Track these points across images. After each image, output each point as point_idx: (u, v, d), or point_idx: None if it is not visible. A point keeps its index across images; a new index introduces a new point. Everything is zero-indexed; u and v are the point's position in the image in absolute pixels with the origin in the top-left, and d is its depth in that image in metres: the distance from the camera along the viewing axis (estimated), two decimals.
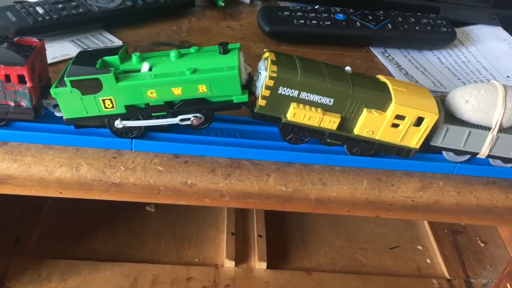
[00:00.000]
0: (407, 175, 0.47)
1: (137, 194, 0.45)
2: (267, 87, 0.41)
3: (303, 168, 0.46)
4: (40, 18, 0.58)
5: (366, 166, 0.47)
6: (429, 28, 0.68)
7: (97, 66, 0.40)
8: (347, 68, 0.45)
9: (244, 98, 0.43)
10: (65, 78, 0.40)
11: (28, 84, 0.41)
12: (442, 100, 0.46)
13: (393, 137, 0.44)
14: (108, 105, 0.42)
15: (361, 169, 0.47)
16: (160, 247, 0.70)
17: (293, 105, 0.42)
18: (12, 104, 0.42)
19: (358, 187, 0.46)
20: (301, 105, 0.42)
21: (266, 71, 0.41)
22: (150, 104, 0.42)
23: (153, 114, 0.43)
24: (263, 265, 0.67)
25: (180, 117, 0.43)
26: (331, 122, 0.43)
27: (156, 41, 0.63)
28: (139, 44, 0.62)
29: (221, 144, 0.46)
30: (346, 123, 0.44)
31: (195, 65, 0.41)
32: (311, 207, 0.47)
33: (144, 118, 0.43)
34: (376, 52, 0.68)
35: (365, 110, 0.43)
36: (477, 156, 0.46)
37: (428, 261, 0.74)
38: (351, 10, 0.69)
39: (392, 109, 0.42)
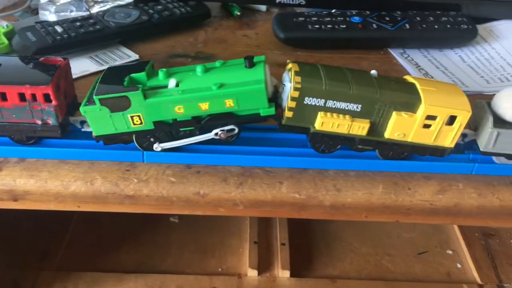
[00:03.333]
0: (425, 178, 0.46)
1: (151, 206, 0.46)
2: (293, 99, 0.41)
3: (316, 174, 0.46)
4: (58, 37, 0.60)
5: (382, 169, 0.46)
6: (449, 26, 0.66)
7: (125, 83, 0.41)
8: (373, 71, 0.44)
9: (271, 111, 0.42)
10: (94, 97, 0.41)
11: (54, 103, 0.42)
12: (488, 104, 0.45)
13: (426, 138, 0.43)
14: (137, 121, 0.42)
15: (376, 174, 0.46)
16: (183, 257, 0.70)
17: (320, 114, 0.42)
18: (40, 122, 0.43)
19: (374, 192, 0.45)
20: (328, 114, 0.42)
21: (291, 82, 0.42)
22: (178, 119, 0.43)
23: (180, 129, 0.43)
24: (287, 273, 0.67)
25: (214, 131, 0.43)
26: (360, 128, 0.42)
27: (172, 53, 0.64)
28: (156, 57, 0.63)
29: (233, 152, 0.45)
30: (376, 128, 0.43)
31: (221, 80, 0.41)
32: (326, 213, 0.46)
33: (174, 135, 0.44)
34: (395, 53, 0.67)
35: (394, 113, 0.42)
36: None
37: (459, 266, 0.71)
38: (368, 12, 0.68)
39: (423, 109, 0.41)
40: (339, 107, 0.42)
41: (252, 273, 0.67)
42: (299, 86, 0.41)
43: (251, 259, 0.68)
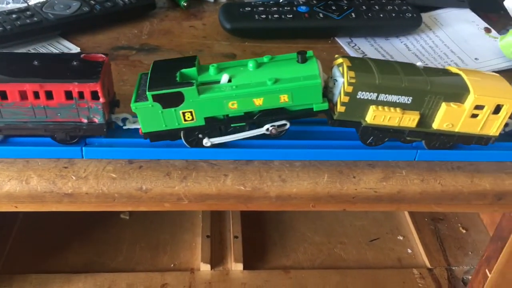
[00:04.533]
0: (370, 165, 0.46)
1: (92, 204, 0.44)
2: (347, 93, 0.41)
3: (262, 165, 0.45)
4: None
5: (326, 158, 0.46)
6: (394, 14, 0.67)
7: (177, 79, 0.40)
8: (419, 63, 0.44)
9: (325, 106, 0.42)
10: (147, 93, 0.40)
11: (101, 100, 0.41)
12: None
13: (473, 128, 0.44)
14: (188, 117, 0.42)
15: (322, 163, 0.46)
16: (134, 254, 0.68)
17: (372, 108, 0.42)
18: (86, 121, 0.42)
19: (319, 181, 0.44)
20: (380, 107, 0.42)
21: (342, 77, 0.42)
22: (230, 115, 0.42)
23: (232, 125, 0.43)
24: (240, 266, 0.66)
25: (266, 126, 0.43)
26: (410, 120, 0.43)
27: (115, 45, 0.62)
28: (98, 49, 0.61)
29: (176, 146, 0.44)
30: (425, 119, 0.43)
31: (274, 75, 0.41)
32: (272, 205, 0.46)
33: (223, 131, 0.43)
34: (342, 42, 0.67)
35: (443, 104, 0.42)
36: None
37: (409, 251, 0.72)
38: (315, 2, 0.68)
39: (472, 100, 0.42)
40: (390, 100, 0.42)
41: (205, 268, 0.66)
42: (353, 81, 0.41)
43: (203, 253, 0.67)
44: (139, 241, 0.70)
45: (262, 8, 0.66)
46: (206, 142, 0.43)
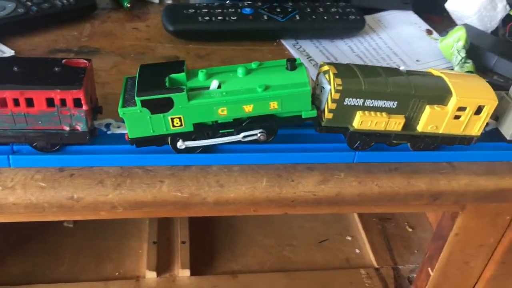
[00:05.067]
0: (309, 168, 0.46)
1: (20, 214, 0.42)
2: (334, 100, 0.42)
3: (199, 171, 0.44)
4: None
5: (265, 162, 0.45)
6: (338, 17, 0.67)
7: (167, 84, 0.40)
8: (402, 68, 0.45)
9: (313, 113, 0.43)
10: (136, 98, 0.39)
11: (85, 107, 0.40)
12: (506, 94, 0.47)
13: (456, 129, 0.45)
14: (177, 123, 0.41)
15: (261, 167, 0.45)
16: (77, 264, 0.66)
17: (359, 114, 0.43)
18: (68, 128, 0.41)
19: (257, 185, 0.44)
20: (366, 112, 0.43)
21: (329, 84, 0.42)
22: (219, 121, 0.42)
23: (220, 131, 0.43)
24: (187, 272, 0.65)
25: (247, 132, 0.43)
26: (396, 123, 0.43)
27: (53, 48, 0.60)
28: (34, 52, 0.59)
29: (110, 152, 0.43)
30: (410, 122, 0.44)
31: (264, 82, 0.41)
32: (211, 210, 0.45)
33: (211, 137, 0.43)
34: (288, 44, 0.67)
35: (427, 107, 0.43)
36: None
37: (357, 251, 0.73)
38: (260, 4, 0.67)
39: (454, 102, 0.43)
40: (376, 105, 0.43)
41: (151, 275, 0.64)
42: (340, 88, 0.41)
43: (149, 260, 0.66)
44: (82, 250, 0.68)
45: (206, 10, 0.65)
46: (181, 145, 0.42)
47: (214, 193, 0.43)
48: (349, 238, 0.75)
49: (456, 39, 0.63)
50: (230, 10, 0.65)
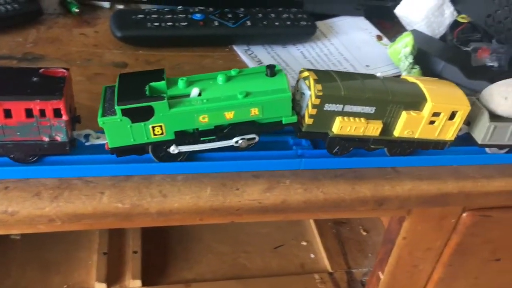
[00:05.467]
0: (254, 176, 0.45)
1: None
2: (314, 106, 0.42)
3: (141, 181, 0.43)
4: None
5: (209, 171, 0.45)
6: (289, 22, 0.67)
7: (147, 93, 0.39)
8: (378, 74, 0.47)
9: (294, 119, 0.43)
10: (116, 107, 0.39)
11: (65, 118, 0.39)
12: (477, 99, 0.49)
13: (431, 134, 0.46)
14: (158, 131, 0.41)
15: (205, 176, 0.45)
16: (25, 277, 0.64)
17: (338, 119, 0.43)
18: (47, 139, 0.40)
19: (201, 195, 0.43)
20: (345, 118, 0.43)
21: (309, 90, 0.42)
22: (200, 128, 0.42)
23: (201, 138, 0.43)
24: (138, 283, 0.64)
25: (235, 139, 0.43)
26: (374, 129, 0.44)
27: None
28: None
29: (47, 163, 0.42)
30: (387, 127, 0.45)
31: (245, 88, 0.41)
32: (155, 221, 0.44)
33: (193, 144, 0.43)
34: (239, 50, 0.66)
35: (404, 112, 0.44)
36: None
37: (312, 256, 0.73)
38: (211, 9, 0.67)
39: (430, 107, 0.44)
40: (355, 110, 0.43)
41: (100, 287, 0.63)
42: (321, 93, 0.42)
43: (99, 271, 0.64)
44: (30, 262, 0.66)
45: (156, 16, 0.64)
46: (174, 149, 0.42)
47: (157, 203, 0.42)
48: (305, 243, 0.75)
49: (404, 45, 0.64)
50: (180, 16, 0.65)
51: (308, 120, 0.43)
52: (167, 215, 0.43)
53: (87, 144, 0.43)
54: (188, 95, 0.41)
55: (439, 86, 0.47)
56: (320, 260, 0.73)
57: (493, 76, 0.64)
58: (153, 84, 0.41)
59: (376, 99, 0.43)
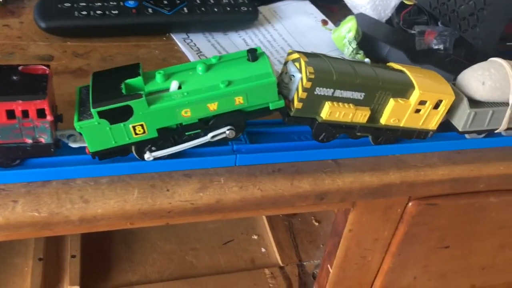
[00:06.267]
0: (186, 176, 0.42)
1: None
2: (305, 89, 0.40)
3: (61, 186, 0.40)
4: None
5: (136, 172, 0.42)
6: (229, 8, 0.64)
7: (123, 91, 0.37)
8: (366, 60, 0.45)
9: (281, 103, 0.41)
10: (91, 110, 0.36)
11: (49, 118, 0.37)
12: (454, 85, 0.48)
13: (416, 122, 0.45)
14: (139, 131, 0.39)
15: (133, 177, 0.42)
16: None
17: (328, 104, 0.42)
18: (30, 141, 0.37)
19: (128, 198, 0.40)
20: (335, 103, 0.42)
21: (299, 73, 0.40)
22: (184, 123, 0.40)
23: (186, 133, 0.41)
24: None
25: (212, 133, 0.41)
26: (362, 115, 0.43)
27: None
28: None
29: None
30: (374, 115, 0.44)
31: (226, 77, 0.39)
32: (77, 228, 0.41)
33: (177, 140, 0.41)
34: (177, 39, 0.63)
35: (391, 99, 0.43)
36: (496, 131, 0.49)
37: (263, 250, 0.71)
38: None
39: (417, 95, 0.43)
40: (345, 96, 0.42)
41: None
42: (312, 76, 0.40)
43: (34, 278, 0.60)
44: None
45: (84, 4, 0.59)
46: (149, 157, 0.40)
47: (78, 210, 0.39)
48: (255, 237, 0.73)
49: (347, 29, 0.61)
50: (111, 3, 0.60)
51: (297, 104, 0.41)
52: (91, 222, 0.40)
53: (72, 145, 0.40)
54: (168, 89, 0.39)
55: (425, 74, 0.46)
56: (271, 254, 0.71)
57: (439, 59, 0.63)
58: (129, 81, 0.38)
59: (367, 85, 0.42)
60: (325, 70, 0.41)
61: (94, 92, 0.37)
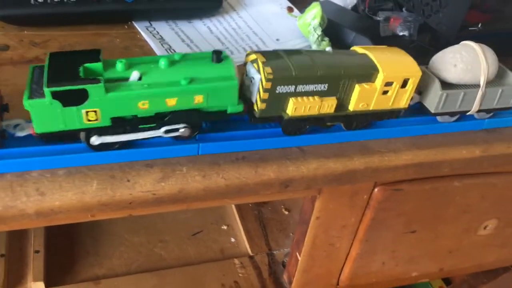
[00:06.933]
0: (147, 166, 0.42)
1: None
2: (266, 90, 0.40)
3: (15, 179, 0.38)
4: None
5: (95, 163, 0.40)
6: None
7: (81, 74, 0.36)
8: (328, 48, 0.45)
9: (240, 108, 0.41)
10: (45, 89, 0.35)
11: None
12: (426, 68, 0.48)
13: (385, 104, 0.45)
14: (92, 117, 0.37)
15: (91, 168, 0.40)
16: None
17: (292, 101, 0.42)
18: None
19: (87, 190, 0.39)
20: (299, 98, 0.42)
21: (258, 74, 0.40)
22: (139, 115, 0.39)
23: (140, 126, 0.40)
24: (40, 285, 0.59)
25: (167, 127, 0.40)
26: (329, 106, 0.43)
27: None
28: None
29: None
30: (341, 103, 0.44)
31: (189, 74, 0.39)
32: (34, 222, 0.40)
33: (131, 132, 0.40)
34: (140, 27, 0.61)
35: (357, 86, 0.43)
36: (468, 113, 0.49)
37: (233, 240, 0.71)
38: None
39: (382, 78, 0.43)
40: (308, 89, 0.42)
41: None
42: (271, 76, 0.40)
43: None
44: None
45: None
46: (94, 140, 0.39)
47: (34, 203, 0.38)
48: (225, 227, 0.72)
49: (312, 16, 0.61)
50: None
51: (261, 105, 0.41)
52: (48, 215, 0.39)
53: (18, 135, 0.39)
54: (127, 79, 0.38)
55: (389, 55, 0.46)
56: (241, 244, 0.70)
57: (404, 45, 0.63)
58: (88, 65, 0.37)
59: (329, 76, 0.42)
60: (283, 68, 0.40)
61: (50, 72, 0.36)
